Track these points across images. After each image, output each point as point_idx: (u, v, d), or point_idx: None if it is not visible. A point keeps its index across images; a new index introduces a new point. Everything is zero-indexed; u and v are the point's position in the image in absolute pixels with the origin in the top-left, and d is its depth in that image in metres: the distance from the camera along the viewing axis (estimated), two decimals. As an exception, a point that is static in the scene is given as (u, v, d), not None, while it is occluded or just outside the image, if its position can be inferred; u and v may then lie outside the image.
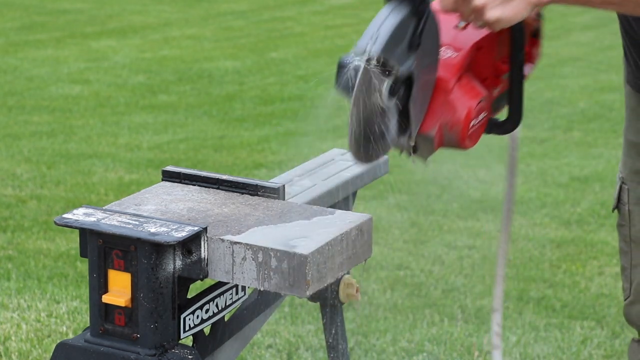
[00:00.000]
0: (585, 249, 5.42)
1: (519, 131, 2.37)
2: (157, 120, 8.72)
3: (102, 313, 1.96)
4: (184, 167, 2.30)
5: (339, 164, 2.62)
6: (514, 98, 2.11)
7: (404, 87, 1.96)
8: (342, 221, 2.04)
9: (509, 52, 2.07)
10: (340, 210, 2.13)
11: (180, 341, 2.01)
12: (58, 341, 2.27)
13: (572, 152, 7.78)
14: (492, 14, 1.87)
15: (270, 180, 2.26)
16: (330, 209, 2.13)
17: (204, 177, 2.24)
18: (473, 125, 2.01)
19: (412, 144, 2.02)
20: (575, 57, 11.74)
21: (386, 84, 1.92)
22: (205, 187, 2.23)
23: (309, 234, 1.98)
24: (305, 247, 1.91)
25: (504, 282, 2.56)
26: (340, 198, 2.50)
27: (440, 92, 1.99)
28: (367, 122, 1.95)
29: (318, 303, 2.64)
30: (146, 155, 7.42)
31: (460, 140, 2.01)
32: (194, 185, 2.23)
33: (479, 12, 1.88)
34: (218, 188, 2.22)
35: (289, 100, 9.67)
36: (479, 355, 3.99)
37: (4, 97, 9.35)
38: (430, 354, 3.99)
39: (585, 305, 4.62)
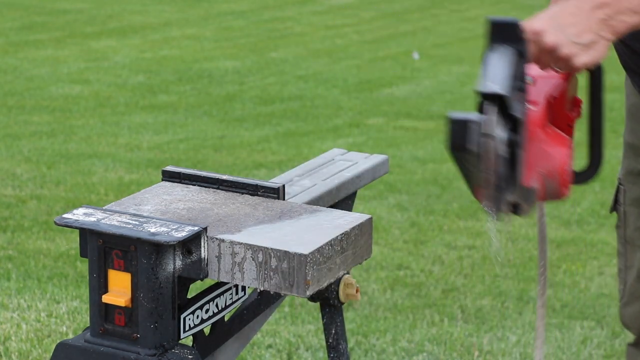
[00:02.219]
0: (585, 249, 5.42)
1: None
2: (157, 120, 8.72)
3: (102, 313, 1.96)
4: (184, 167, 2.29)
5: (339, 164, 2.61)
6: (595, 141, 2.13)
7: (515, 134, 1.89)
8: (342, 221, 2.04)
9: (589, 93, 2.10)
10: (340, 210, 2.13)
11: (180, 341, 2.00)
12: (58, 341, 2.27)
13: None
14: (580, 60, 1.90)
15: (270, 180, 2.26)
16: (330, 209, 2.13)
17: (204, 177, 2.24)
18: (567, 171, 2.03)
19: (516, 199, 1.97)
20: (575, 57, 11.72)
21: (505, 131, 1.85)
22: (205, 187, 2.22)
23: (309, 234, 1.98)
24: (305, 247, 1.91)
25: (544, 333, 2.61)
26: (340, 198, 2.49)
27: (532, 142, 1.99)
28: (495, 173, 1.83)
29: (318, 303, 2.64)
30: (146, 155, 7.42)
31: (561, 186, 2.03)
32: (194, 185, 2.23)
33: (566, 61, 1.91)
34: (218, 188, 2.22)
35: (289, 100, 9.67)
36: (479, 355, 3.99)
37: (4, 97, 9.35)
38: (430, 354, 3.99)
39: (585, 305, 4.62)
